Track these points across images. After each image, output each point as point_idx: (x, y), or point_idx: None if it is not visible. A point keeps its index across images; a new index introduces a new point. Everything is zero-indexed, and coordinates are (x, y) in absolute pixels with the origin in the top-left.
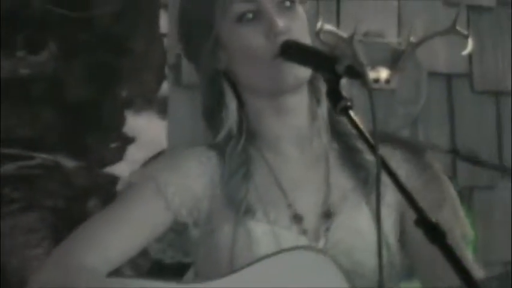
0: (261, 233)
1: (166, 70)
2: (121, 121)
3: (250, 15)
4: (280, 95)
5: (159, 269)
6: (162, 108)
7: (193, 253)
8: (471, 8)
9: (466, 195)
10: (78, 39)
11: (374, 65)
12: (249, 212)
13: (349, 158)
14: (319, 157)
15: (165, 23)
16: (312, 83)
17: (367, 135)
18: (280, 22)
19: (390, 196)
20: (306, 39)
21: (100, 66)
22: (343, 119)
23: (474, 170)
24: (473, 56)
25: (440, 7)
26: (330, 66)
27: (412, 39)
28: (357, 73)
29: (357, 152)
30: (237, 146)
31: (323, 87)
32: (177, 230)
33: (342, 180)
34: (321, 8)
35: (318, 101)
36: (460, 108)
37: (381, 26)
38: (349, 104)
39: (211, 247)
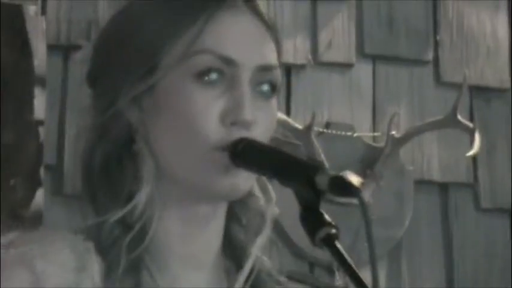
0: None
1: (42, 173)
2: None
3: (214, 76)
4: (198, 200)
5: None
6: (35, 227)
7: None
8: (476, 91)
9: None
10: None
11: (340, 169)
12: None
13: None
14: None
15: (41, 105)
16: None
17: (358, 273)
18: (250, 111)
19: None
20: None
21: None
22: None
23: None
24: (479, 159)
25: (432, 89)
26: (307, 177)
27: (394, 133)
28: (348, 188)
29: None
30: (125, 258)
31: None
32: None
33: None
34: None
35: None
36: (460, 230)
37: (349, 114)
38: (334, 231)
39: None
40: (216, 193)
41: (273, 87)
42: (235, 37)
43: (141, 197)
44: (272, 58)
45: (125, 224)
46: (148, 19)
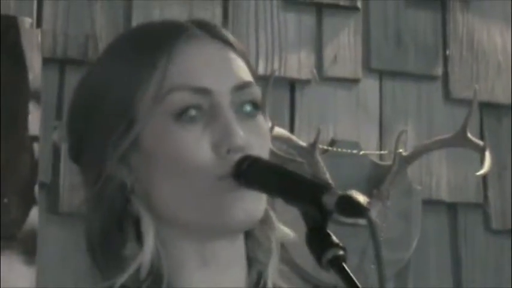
0: None
1: (37, 191)
2: None
3: (193, 112)
4: (213, 238)
5: None
6: (29, 247)
7: None
8: (486, 107)
9: None
10: None
11: (345, 188)
12: None
13: None
14: None
15: (36, 120)
16: None
17: None
18: (240, 135)
19: None
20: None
21: None
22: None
23: None
24: (489, 179)
25: (441, 105)
26: (313, 197)
27: (402, 151)
28: (356, 208)
29: None
30: None
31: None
32: None
33: None
34: (268, 105)
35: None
36: (469, 252)
37: (355, 131)
38: (341, 253)
39: None
40: (230, 224)
41: (255, 105)
42: (202, 66)
43: (145, 257)
44: (245, 75)
45: (135, 286)
46: (111, 76)
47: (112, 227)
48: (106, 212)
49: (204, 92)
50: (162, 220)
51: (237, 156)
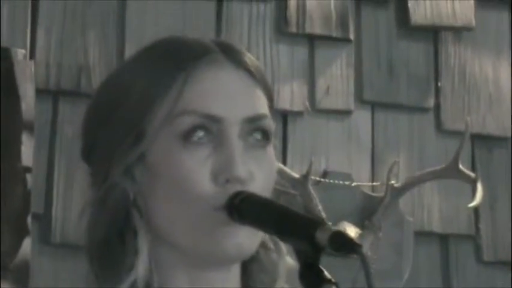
0: None
1: (30, 222)
2: None
3: (201, 134)
4: (205, 267)
5: None
6: (21, 278)
7: None
8: (478, 139)
9: None
10: None
11: (337, 220)
12: None
13: None
14: None
15: (29, 151)
16: None
17: None
18: (242, 165)
19: None
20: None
21: None
22: None
23: None
24: (481, 210)
25: (433, 137)
26: (306, 233)
27: (394, 182)
28: (348, 245)
29: None
30: None
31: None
32: None
33: None
34: None
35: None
36: (461, 283)
37: (347, 162)
38: None
39: None
40: (221, 257)
41: (266, 135)
42: (217, 93)
43: (138, 271)
44: (260, 107)
45: None
46: (131, 86)
47: (113, 237)
48: (109, 218)
49: (214, 119)
50: (158, 238)
51: (234, 188)
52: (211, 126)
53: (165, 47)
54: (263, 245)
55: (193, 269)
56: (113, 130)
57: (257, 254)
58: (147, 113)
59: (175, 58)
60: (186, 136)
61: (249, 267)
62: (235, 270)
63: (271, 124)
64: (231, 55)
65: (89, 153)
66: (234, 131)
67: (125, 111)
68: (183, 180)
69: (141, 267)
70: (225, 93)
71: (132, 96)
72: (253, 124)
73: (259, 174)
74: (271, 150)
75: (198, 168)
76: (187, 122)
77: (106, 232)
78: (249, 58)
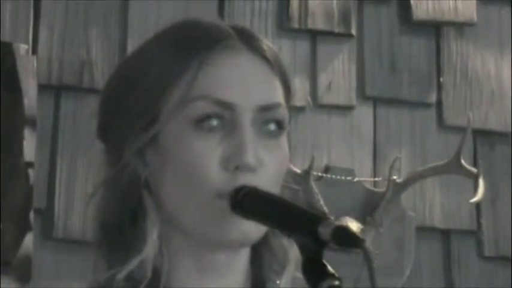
0: None
1: (32, 217)
2: None
3: (214, 122)
4: (211, 250)
5: None
6: (23, 273)
7: None
8: (480, 135)
9: None
10: None
11: (339, 215)
12: None
13: None
14: None
15: (31, 146)
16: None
17: None
18: (253, 153)
19: None
20: (276, 187)
21: None
22: None
23: None
24: (482, 206)
25: (435, 132)
26: (309, 228)
27: (395, 178)
28: (351, 239)
29: None
30: None
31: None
32: None
33: None
34: None
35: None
36: (462, 278)
37: (349, 157)
38: (337, 283)
39: None
40: (227, 243)
41: (280, 125)
42: (231, 79)
43: (148, 252)
44: (275, 96)
45: (135, 280)
46: (146, 68)
47: (124, 218)
48: (122, 199)
49: (227, 106)
50: (167, 220)
51: (243, 177)
52: (224, 113)
53: (182, 30)
54: (272, 230)
55: (201, 251)
56: (128, 111)
57: (266, 237)
58: (162, 96)
59: (191, 42)
60: (199, 122)
61: (261, 252)
62: (244, 253)
63: (285, 113)
64: (248, 41)
65: (105, 132)
66: (246, 118)
67: (140, 93)
68: (192, 165)
69: (149, 249)
70: (239, 80)
71: (148, 78)
72: (266, 113)
73: (270, 162)
74: (284, 140)
75: (207, 153)
76: (200, 107)
77: (117, 213)
78: (267, 46)
